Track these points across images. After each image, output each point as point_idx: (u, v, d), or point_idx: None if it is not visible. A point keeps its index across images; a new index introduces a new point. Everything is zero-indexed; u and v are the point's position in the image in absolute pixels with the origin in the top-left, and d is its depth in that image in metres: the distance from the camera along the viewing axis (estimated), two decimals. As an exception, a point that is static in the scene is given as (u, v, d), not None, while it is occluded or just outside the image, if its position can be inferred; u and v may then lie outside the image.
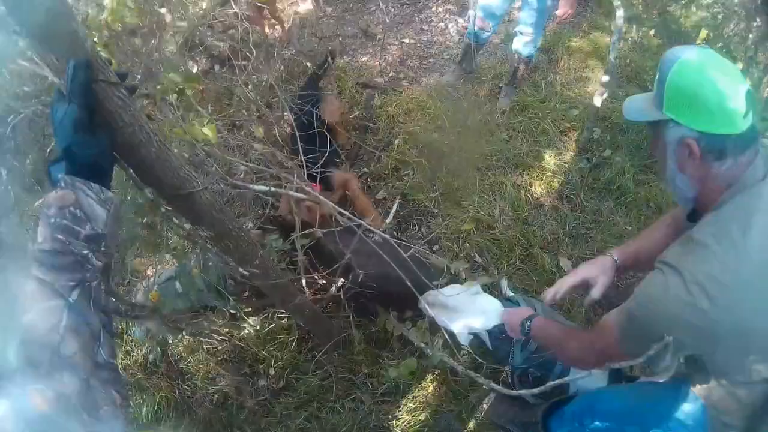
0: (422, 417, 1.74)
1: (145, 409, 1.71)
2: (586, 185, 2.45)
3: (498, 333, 1.56)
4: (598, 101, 2.40)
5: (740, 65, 2.02)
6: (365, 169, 2.53)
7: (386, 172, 2.50)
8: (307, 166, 1.91)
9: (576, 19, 3.37)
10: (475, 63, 2.94)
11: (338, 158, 2.33)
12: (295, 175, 1.37)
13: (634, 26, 2.92)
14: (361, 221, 1.17)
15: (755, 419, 1.01)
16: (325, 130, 1.93)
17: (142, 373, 1.81)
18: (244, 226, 1.28)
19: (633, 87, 2.89)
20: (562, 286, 1.36)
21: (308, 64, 2.52)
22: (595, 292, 1.31)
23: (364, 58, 3.10)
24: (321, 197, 1.24)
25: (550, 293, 1.36)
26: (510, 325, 1.41)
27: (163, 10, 1.30)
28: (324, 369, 1.82)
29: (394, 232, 2.25)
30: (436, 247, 2.19)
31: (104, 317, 0.60)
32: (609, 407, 1.31)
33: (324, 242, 1.63)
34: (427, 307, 1.45)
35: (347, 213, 1.20)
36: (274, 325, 1.84)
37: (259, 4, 2.77)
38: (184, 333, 1.69)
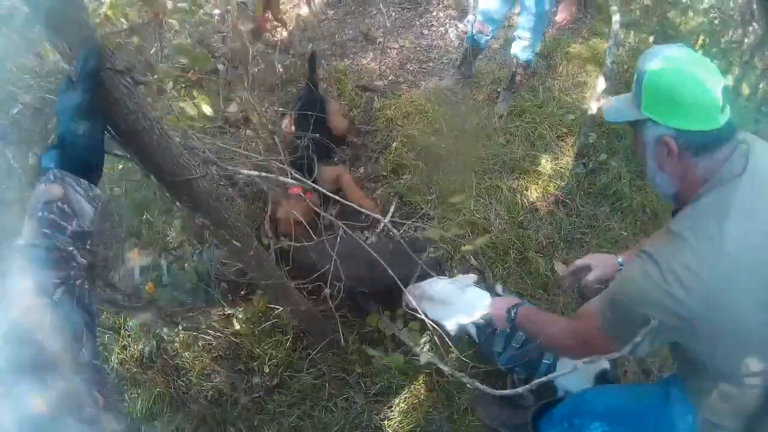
0: (414, 418, 1.76)
1: (140, 403, 1.73)
2: (582, 190, 2.47)
3: (486, 327, 1.57)
4: (594, 106, 2.42)
5: (736, 70, 2.04)
6: (363, 170, 2.55)
7: (384, 174, 2.52)
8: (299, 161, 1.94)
9: (576, 26, 3.39)
10: (474, 67, 2.97)
11: (330, 156, 2.35)
12: (283, 167, 1.39)
13: (632, 32, 2.95)
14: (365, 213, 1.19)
15: (755, 420, 1.01)
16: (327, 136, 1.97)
17: (137, 368, 1.83)
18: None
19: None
20: (572, 263, 1.51)
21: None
22: (591, 276, 1.41)
23: (365, 61, 3.13)
24: (313, 185, 1.26)
25: (560, 268, 1.44)
26: (496, 313, 1.41)
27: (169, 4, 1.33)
28: (318, 368, 1.84)
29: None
30: (431, 249, 2.20)
31: (87, 317, 0.58)
32: (597, 408, 1.33)
33: (302, 255, 1.64)
34: (412, 301, 1.46)
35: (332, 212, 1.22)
36: (269, 323, 1.86)
37: (262, 7, 2.81)
38: (180, 327, 1.71)
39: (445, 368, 1.39)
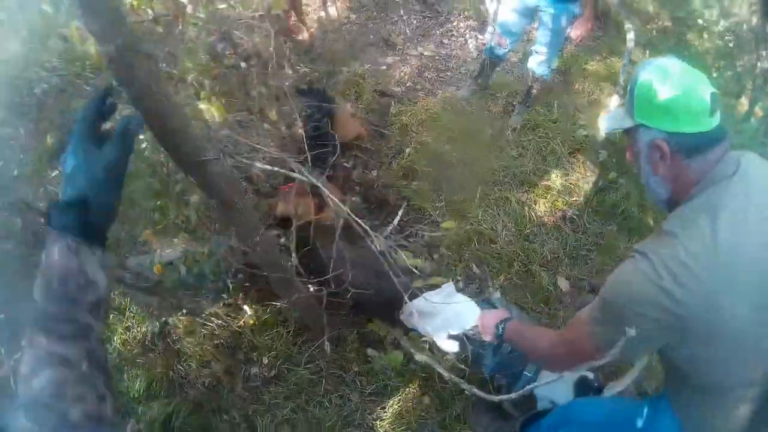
0: (406, 420, 1.77)
1: (138, 383, 1.76)
2: (590, 207, 2.48)
3: (476, 336, 1.58)
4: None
5: (749, 94, 2.06)
6: (375, 173, 2.58)
7: (395, 179, 2.55)
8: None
9: (595, 44, 3.41)
10: (491, 79, 3.00)
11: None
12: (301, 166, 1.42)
13: (648, 51, 2.96)
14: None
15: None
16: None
17: (139, 350, 1.86)
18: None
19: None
20: None
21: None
22: None
23: (383, 67, 3.17)
24: (324, 188, 1.29)
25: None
26: (484, 326, 1.43)
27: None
28: (316, 363, 1.86)
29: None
30: (435, 255, 2.22)
31: (106, 377, 0.59)
32: (584, 419, 1.34)
33: (319, 249, 1.68)
34: (407, 320, 1.48)
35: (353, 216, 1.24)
36: (270, 315, 1.89)
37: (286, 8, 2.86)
38: (183, 311, 1.75)
39: (444, 372, 1.42)
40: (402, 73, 3.14)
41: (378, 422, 1.77)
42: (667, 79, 0.96)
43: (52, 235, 0.58)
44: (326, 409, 1.78)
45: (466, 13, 3.55)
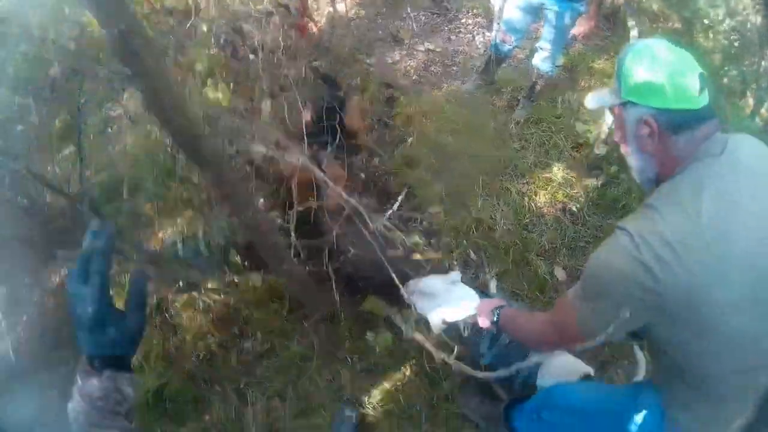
0: (394, 398, 1.78)
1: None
2: (590, 200, 2.47)
3: (474, 325, 1.59)
4: (609, 119, 2.43)
5: (751, 95, 2.04)
6: (378, 161, 2.61)
7: (397, 167, 2.57)
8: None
9: (604, 43, 3.42)
10: (496, 74, 3.02)
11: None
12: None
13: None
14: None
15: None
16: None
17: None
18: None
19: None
20: None
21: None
22: None
23: (390, 61, 3.22)
24: (326, 179, 1.32)
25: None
26: (481, 313, 1.44)
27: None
28: (309, 339, 1.88)
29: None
30: (433, 240, 2.24)
31: None
32: (566, 402, 1.33)
33: (322, 222, 1.71)
34: (406, 294, 1.50)
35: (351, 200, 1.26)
36: (266, 292, 1.92)
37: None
38: (179, 284, 1.79)
39: (431, 348, 1.42)
40: (408, 67, 3.17)
41: (366, 399, 1.78)
42: (655, 57, 0.97)
43: (88, 369, 0.63)
44: (317, 384, 1.80)
45: (474, 10, 3.59)
